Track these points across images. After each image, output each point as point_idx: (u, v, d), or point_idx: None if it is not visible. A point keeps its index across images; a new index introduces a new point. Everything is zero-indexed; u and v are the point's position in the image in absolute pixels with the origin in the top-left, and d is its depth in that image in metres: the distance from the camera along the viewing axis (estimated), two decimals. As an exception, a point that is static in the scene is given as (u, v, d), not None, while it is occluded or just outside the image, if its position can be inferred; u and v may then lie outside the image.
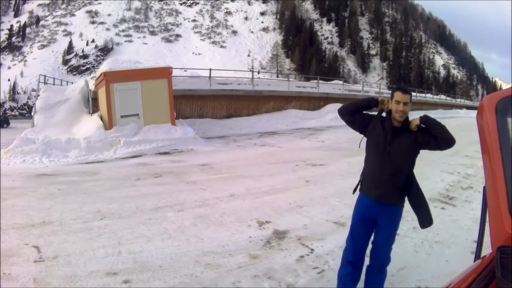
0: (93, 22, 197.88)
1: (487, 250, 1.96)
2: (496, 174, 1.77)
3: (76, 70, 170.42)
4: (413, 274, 5.28)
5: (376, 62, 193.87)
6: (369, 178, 4.21)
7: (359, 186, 4.38)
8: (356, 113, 4.40)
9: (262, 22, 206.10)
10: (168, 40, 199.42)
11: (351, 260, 4.33)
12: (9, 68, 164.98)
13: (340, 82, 40.28)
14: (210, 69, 25.61)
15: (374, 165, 4.15)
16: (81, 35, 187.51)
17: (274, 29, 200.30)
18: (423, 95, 56.53)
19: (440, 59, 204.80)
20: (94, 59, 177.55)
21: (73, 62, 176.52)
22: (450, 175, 11.46)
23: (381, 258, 4.26)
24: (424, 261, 5.68)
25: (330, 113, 29.81)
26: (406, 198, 4.16)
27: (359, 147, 4.34)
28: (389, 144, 4.00)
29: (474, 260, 2.07)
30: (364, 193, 4.26)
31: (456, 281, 1.76)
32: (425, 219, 4.14)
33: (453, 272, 5.12)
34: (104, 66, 19.27)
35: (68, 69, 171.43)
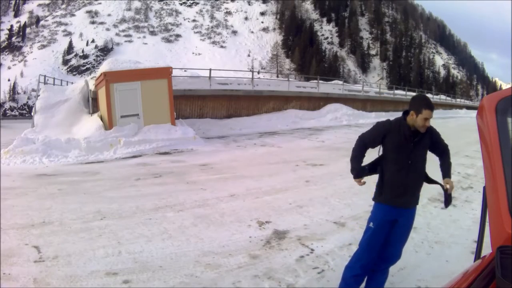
0: (93, 22, 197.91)
1: (487, 250, 1.96)
2: (496, 174, 1.77)
3: (76, 70, 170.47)
4: (413, 274, 5.28)
5: (376, 62, 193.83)
6: (392, 187, 4.19)
7: (377, 196, 4.37)
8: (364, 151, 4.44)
9: (262, 22, 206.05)
10: (168, 40, 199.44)
11: (363, 263, 4.33)
12: (9, 68, 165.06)
13: (340, 82, 40.23)
14: (210, 69, 25.59)
15: (398, 174, 4.14)
16: (81, 35, 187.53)
17: (274, 29, 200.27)
18: (423, 95, 56.42)
19: (440, 59, 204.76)
20: (94, 59, 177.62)
21: (73, 62, 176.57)
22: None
23: (393, 257, 4.31)
24: (424, 261, 5.69)
25: (330, 113, 29.83)
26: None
27: (379, 154, 4.36)
28: (412, 153, 4.04)
29: (474, 260, 2.07)
30: (386, 202, 4.25)
31: (456, 281, 1.76)
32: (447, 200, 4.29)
33: (453, 272, 5.12)
34: (104, 66, 19.26)
35: (68, 69, 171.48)
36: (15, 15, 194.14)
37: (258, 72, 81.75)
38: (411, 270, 5.38)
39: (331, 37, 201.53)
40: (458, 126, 27.96)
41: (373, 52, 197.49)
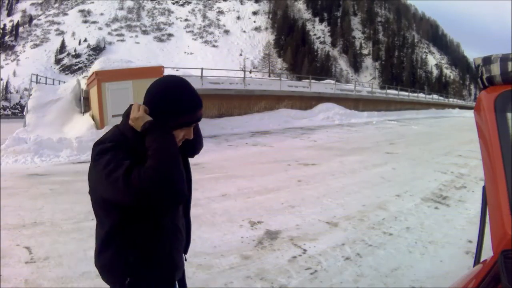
0: (85, 22, 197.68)
1: (487, 251, 1.91)
2: (496, 173, 1.72)
3: (68, 70, 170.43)
4: (407, 275, 5.24)
5: (368, 61, 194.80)
6: None
7: None
8: None
9: (254, 22, 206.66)
10: (160, 40, 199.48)
11: None
12: (1, 67, 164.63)
13: (332, 82, 40.32)
14: (202, 69, 25.61)
15: None
16: (73, 34, 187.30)
17: (266, 28, 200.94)
18: (415, 94, 56.73)
19: (433, 59, 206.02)
20: (86, 59, 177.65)
21: (66, 61, 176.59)
22: (444, 175, 11.46)
23: None
24: (418, 262, 5.64)
25: (322, 112, 29.93)
26: None
27: None
28: None
29: (474, 264, 1.99)
30: None
31: (457, 287, 1.68)
32: None
33: (447, 272, 5.12)
34: (96, 66, 19.18)
35: (61, 69, 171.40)
36: (8, 14, 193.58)
37: (250, 72, 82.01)
38: (405, 271, 5.34)
39: (323, 37, 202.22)
40: (450, 126, 28.06)
41: (365, 51, 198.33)
